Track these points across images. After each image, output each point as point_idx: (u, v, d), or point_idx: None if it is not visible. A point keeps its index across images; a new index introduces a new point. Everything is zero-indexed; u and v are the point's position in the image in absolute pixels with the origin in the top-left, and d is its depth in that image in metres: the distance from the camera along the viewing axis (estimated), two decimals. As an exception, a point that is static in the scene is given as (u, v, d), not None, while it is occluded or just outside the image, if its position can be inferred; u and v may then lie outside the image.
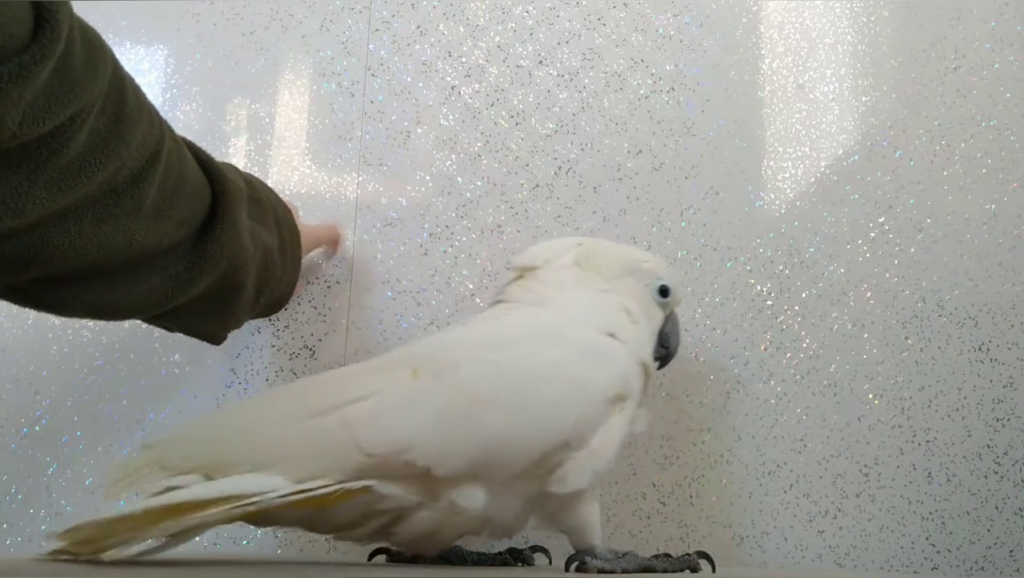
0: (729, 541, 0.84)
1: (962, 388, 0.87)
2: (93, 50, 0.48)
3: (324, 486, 0.49)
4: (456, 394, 0.52)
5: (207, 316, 0.67)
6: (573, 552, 0.59)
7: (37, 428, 0.85)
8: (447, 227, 0.91)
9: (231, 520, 0.49)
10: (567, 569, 0.58)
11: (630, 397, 0.59)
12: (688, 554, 0.63)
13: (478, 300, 0.90)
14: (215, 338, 0.71)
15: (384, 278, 0.90)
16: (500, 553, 0.69)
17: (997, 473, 0.85)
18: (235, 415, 0.57)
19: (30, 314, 0.87)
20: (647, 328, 0.66)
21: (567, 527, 0.58)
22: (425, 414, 0.52)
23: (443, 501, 0.53)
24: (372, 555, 0.69)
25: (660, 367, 0.70)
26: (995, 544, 0.83)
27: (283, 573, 0.49)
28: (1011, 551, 0.83)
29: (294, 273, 0.78)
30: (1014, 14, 0.97)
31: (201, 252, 0.61)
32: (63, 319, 0.87)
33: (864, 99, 0.96)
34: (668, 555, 0.63)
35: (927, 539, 0.83)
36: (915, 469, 0.85)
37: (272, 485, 0.48)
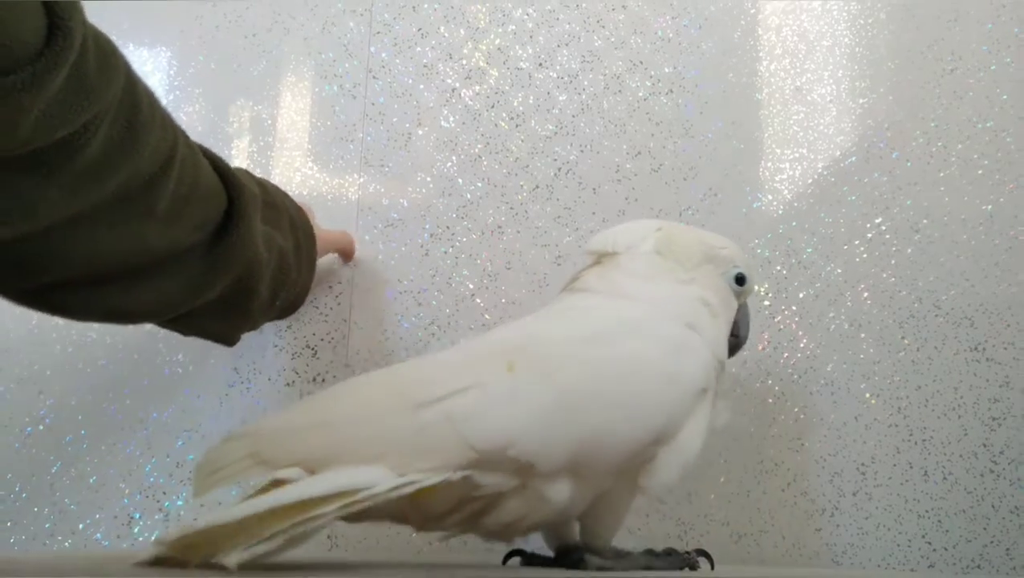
0: (727, 539, 0.84)
1: (958, 387, 0.88)
2: (106, 57, 0.48)
3: (431, 477, 0.48)
4: (555, 390, 0.52)
5: (222, 319, 0.67)
6: (568, 543, 0.59)
7: (41, 427, 0.85)
8: (448, 228, 0.92)
9: (339, 517, 0.47)
10: (556, 561, 0.59)
11: (711, 390, 0.59)
12: (687, 552, 0.63)
13: (478, 300, 0.90)
14: (229, 340, 0.72)
15: (385, 278, 0.91)
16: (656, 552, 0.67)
17: (993, 472, 0.85)
18: (332, 405, 0.54)
19: (34, 314, 0.87)
20: (724, 319, 0.65)
21: (592, 519, 0.58)
22: (527, 410, 0.51)
23: (533, 491, 0.53)
24: (507, 558, 0.68)
25: (729, 356, 0.68)
26: (991, 542, 0.84)
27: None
28: (1007, 549, 0.83)
29: (308, 276, 0.79)
30: (1010, 16, 0.98)
31: (216, 256, 0.61)
32: (67, 319, 0.87)
33: (861, 101, 0.96)
34: (674, 550, 0.63)
35: (923, 537, 0.84)
36: (912, 468, 0.86)
37: (379, 478, 0.47)
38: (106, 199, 0.51)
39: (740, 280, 0.67)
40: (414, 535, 0.83)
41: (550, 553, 0.64)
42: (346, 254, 0.90)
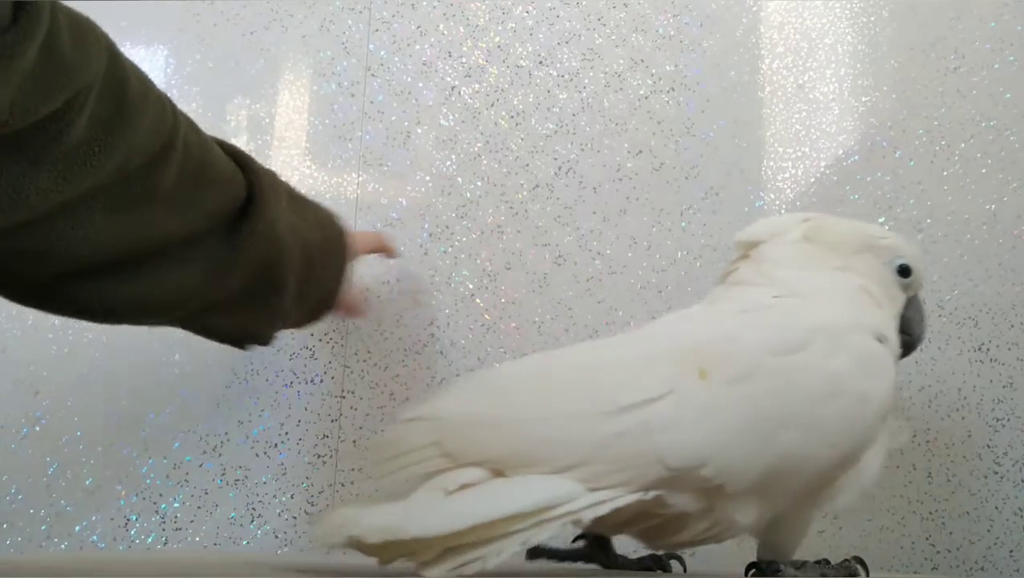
0: (730, 542, 0.83)
1: (962, 388, 0.87)
2: (83, 33, 0.47)
3: (623, 496, 0.46)
4: (752, 407, 0.49)
5: (250, 312, 0.64)
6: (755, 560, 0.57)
7: (37, 428, 0.85)
8: (447, 227, 0.91)
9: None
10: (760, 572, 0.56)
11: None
12: (847, 560, 0.60)
13: (478, 300, 0.90)
14: (261, 337, 0.68)
15: (384, 278, 0.90)
16: (642, 558, 0.66)
17: (997, 473, 0.85)
18: (520, 399, 0.50)
19: (30, 314, 0.87)
20: (890, 312, 0.61)
21: (774, 535, 0.56)
22: (723, 427, 0.48)
23: (719, 512, 0.50)
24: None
25: (902, 357, 0.63)
26: (995, 544, 0.83)
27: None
28: (1011, 551, 0.83)
29: (337, 278, 0.73)
30: (1014, 14, 0.97)
31: (237, 242, 0.59)
32: (63, 318, 0.87)
33: (864, 99, 0.96)
34: (827, 561, 0.60)
35: (927, 539, 0.83)
36: (915, 469, 0.85)
37: (574, 492, 0.44)
38: (103, 183, 0.50)
39: (905, 271, 0.62)
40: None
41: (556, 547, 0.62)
42: (386, 252, 0.85)
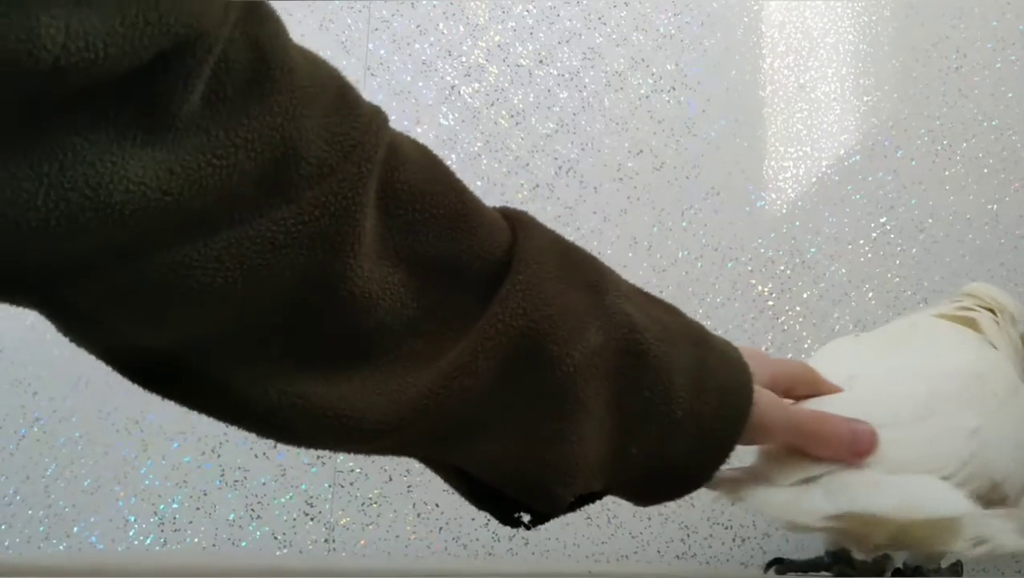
0: (731, 542, 0.83)
1: (964, 389, 0.87)
2: None
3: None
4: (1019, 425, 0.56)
5: (525, 447, 0.38)
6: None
7: (35, 429, 0.85)
8: (447, 227, 0.91)
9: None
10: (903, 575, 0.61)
11: None
12: (957, 562, 0.65)
13: (478, 300, 0.89)
14: (545, 496, 0.40)
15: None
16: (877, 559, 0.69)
17: (999, 474, 0.84)
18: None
19: (29, 314, 0.86)
20: None
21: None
22: (1016, 443, 0.55)
23: None
24: (768, 566, 0.69)
25: None
26: (997, 545, 0.83)
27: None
28: (1013, 552, 0.83)
29: (712, 423, 0.42)
30: (1016, 13, 0.97)
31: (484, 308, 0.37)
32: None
33: (866, 99, 0.95)
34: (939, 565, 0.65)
35: (929, 540, 0.83)
36: (917, 470, 0.85)
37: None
38: (237, 193, 0.31)
39: None
40: (413, 538, 0.83)
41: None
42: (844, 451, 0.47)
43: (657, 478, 0.42)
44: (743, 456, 0.51)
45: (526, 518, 0.42)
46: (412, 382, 0.35)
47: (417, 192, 0.35)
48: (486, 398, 0.36)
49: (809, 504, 0.47)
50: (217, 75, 0.29)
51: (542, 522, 0.41)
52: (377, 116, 0.35)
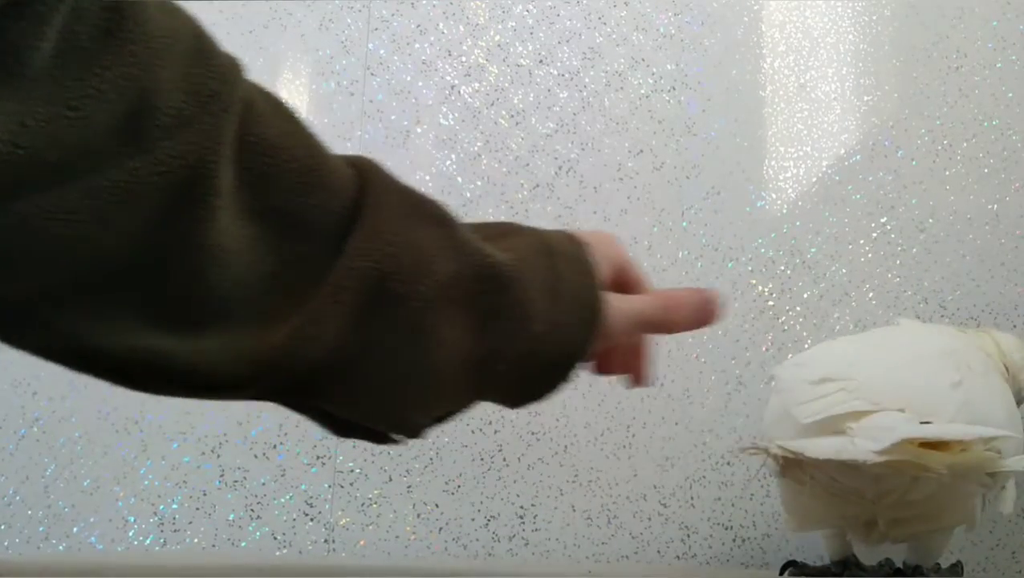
0: (731, 543, 0.83)
1: (964, 389, 0.87)
2: None
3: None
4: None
5: (381, 380, 0.38)
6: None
7: (35, 429, 0.85)
8: (447, 227, 0.91)
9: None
10: (904, 575, 0.65)
11: None
12: (957, 562, 0.69)
13: (478, 300, 0.89)
14: (405, 427, 0.41)
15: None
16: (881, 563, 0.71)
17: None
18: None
19: (28, 314, 0.86)
20: None
21: (931, 540, 0.65)
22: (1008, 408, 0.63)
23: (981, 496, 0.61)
24: (784, 569, 0.71)
25: None
26: (997, 545, 0.83)
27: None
28: (1013, 553, 0.83)
29: (574, 323, 0.42)
30: (1016, 13, 0.97)
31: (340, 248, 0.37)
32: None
33: (866, 98, 0.95)
34: (939, 565, 0.68)
35: (929, 541, 0.83)
36: (917, 470, 0.85)
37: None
38: (97, 147, 0.30)
39: None
40: (413, 538, 0.83)
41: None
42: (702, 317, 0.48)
43: (522, 384, 0.44)
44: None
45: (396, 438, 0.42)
46: (267, 337, 0.35)
47: (270, 145, 0.35)
48: (343, 344, 0.37)
49: (863, 444, 0.53)
50: (69, 24, 0.29)
51: (389, 442, 0.42)
52: (234, 66, 0.35)
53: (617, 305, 0.44)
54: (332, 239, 0.37)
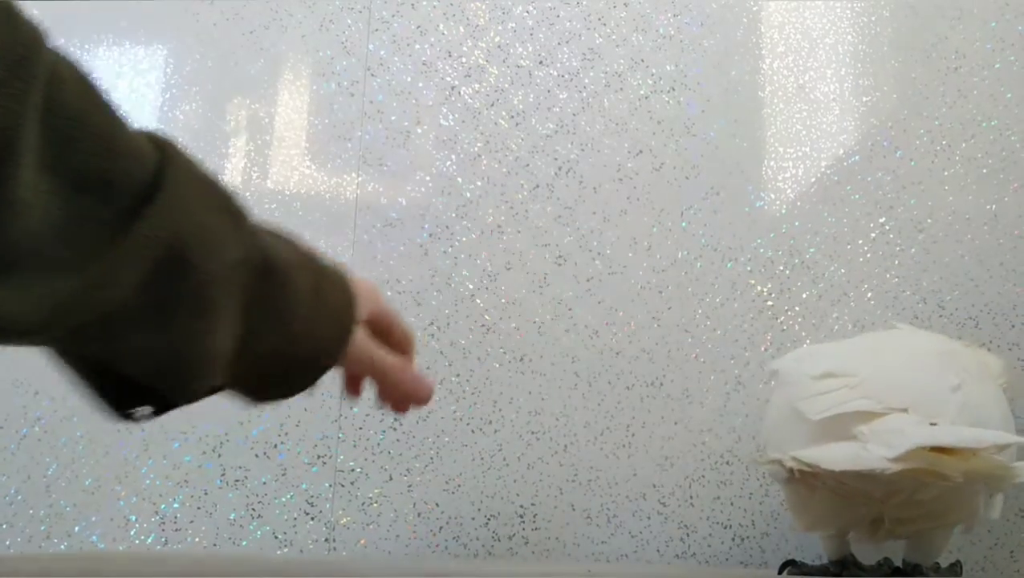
0: (730, 542, 0.83)
1: (963, 389, 0.87)
2: None
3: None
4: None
5: (160, 344, 0.42)
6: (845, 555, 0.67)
7: (36, 429, 0.85)
8: (447, 227, 0.91)
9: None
10: (904, 574, 0.65)
11: None
12: (957, 562, 0.70)
13: (478, 300, 0.89)
14: (180, 386, 0.44)
15: (384, 278, 0.90)
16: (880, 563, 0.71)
17: (998, 474, 0.85)
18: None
19: (29, 314, 0.87)
20: None
21: (932, 540, 0.66)
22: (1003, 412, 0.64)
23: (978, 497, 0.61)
24: (783, 568, 0.72)
25: None
26: (995, 545, 0.83)
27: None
28: (1011, 552, 0.83)
29: (327, 336, 0.49)
30: (1015, 14, 0.97)
31: (129, 228, 0.39)
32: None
33: (865, 99, 0.95)
34: (938, 565, 0.69)
35: (928, 540, 0.83)
36: (916, 470, 0.85)
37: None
38: None
39: None
40: (413, 538, 0.83)
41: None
42: (399, 395, 0.55)
43: (271, 379, 0.49)
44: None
45: (147, 410, 0.46)
46: (60, 287, 0.38)
47: (73, 111, 0.38)
48: (132, 302, 0.40)
49: (875, 450, 0.53)
50: None
51: (161, 413, 0.46)
52: (40, 33, 0.37)
53: (366, 339, 0.52)
54: (128, 204, 0.40)
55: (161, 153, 0.41)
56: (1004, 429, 0.61)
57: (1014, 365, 0.87)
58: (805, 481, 0.61)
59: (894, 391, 0.58)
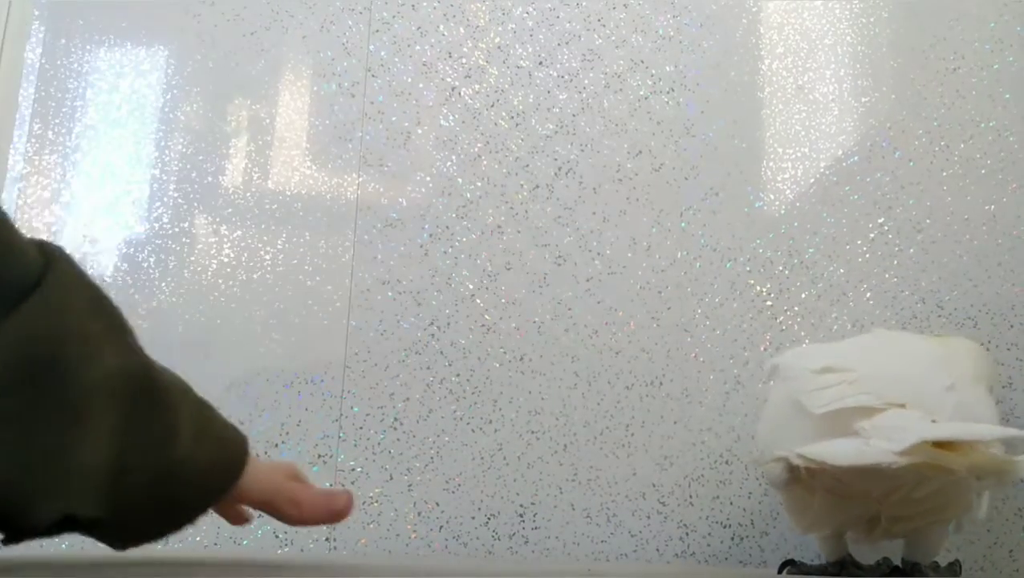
0: (729, 541, 0.84)
1: (961, 388, 0.87)
2: None
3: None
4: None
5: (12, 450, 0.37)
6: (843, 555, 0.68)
7: (38, 428, 0.85)
8: (447, 228, 0.91)
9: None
10: (903, 574, 0.66)
11: None
12: (956, 561, 0.70)
13: (478, 300, 0.90)
14: (33, 510, 0.38)
15: (384, 278, 0.90)
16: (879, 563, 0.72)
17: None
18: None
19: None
20: None
21: (929, 538, 0.67)
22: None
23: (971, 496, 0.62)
24: (782, 567, 0.72)
25: None
26: (995, 544, 0.83)
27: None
28: (1010, 551, 0.83)
29: (208, 471, 0.44)
30: (1013, 15, 0.97)
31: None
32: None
33: (864, 100, 0.96)
34: (937, 564, 0.69)
35: (926, 539, 0.84)
36: (914, 469, 0.85)
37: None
38: None
39: None
40: (414, 537, 0.83)
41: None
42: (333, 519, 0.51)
43: (144, 514, 0.42)
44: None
45: None
46: None
47: None
48: None
49: (879, 445, 0.54)
50: None
51: (15, 541, 0.40)
52: None
53: (260, 469, 0.47)
54: (7, 302, 0.37)
55: (46, 259, 0.40)
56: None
57: (999, 361, 0.87)
58: (804, 481, 0.61)
59: (892, 387, 0.59)
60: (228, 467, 0.45)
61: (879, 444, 0.54)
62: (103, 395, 0.39)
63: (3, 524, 0.39)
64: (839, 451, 0.55)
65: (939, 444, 0.54)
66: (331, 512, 0.49)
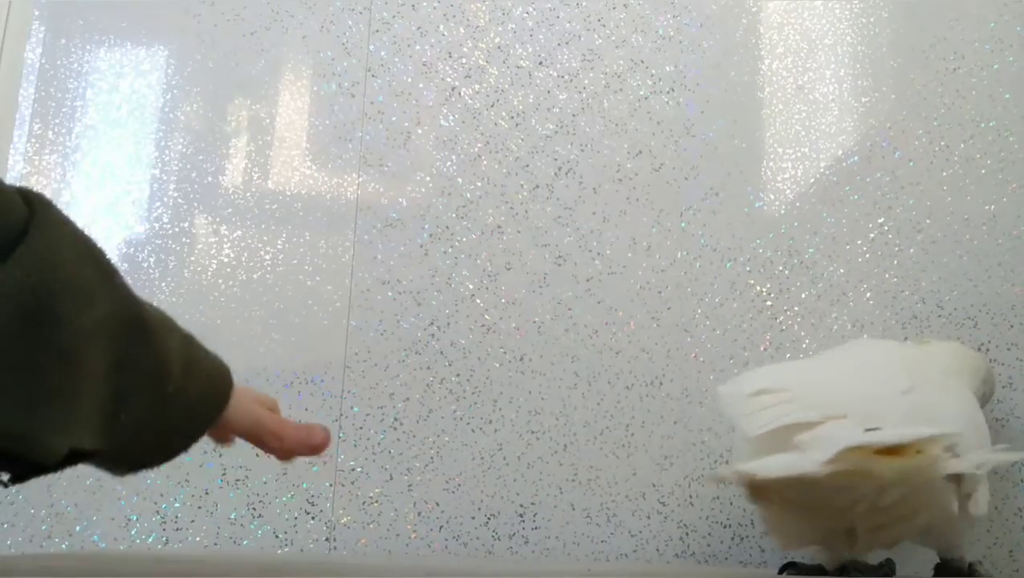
0: (729, 541, 0.84)
1: (961, 388, 0.87)
2: None
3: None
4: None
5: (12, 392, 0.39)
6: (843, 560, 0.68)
7: (38, 428, 0.85)
8: (447, 228, 0.91)
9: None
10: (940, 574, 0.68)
11: None
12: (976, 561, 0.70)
13: (478, 301, 0.90)
14: (37, 447, 0.40)
15: (384, 279, 0.90)
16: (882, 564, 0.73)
17: (996, 473, 0.85)
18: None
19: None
20: None
21: (949, 535, 0.67)
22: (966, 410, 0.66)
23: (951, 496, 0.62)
24: (783, 569, 0.73)
25: None
26: (994, 544, 0.83)
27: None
28: (1010, 551, 0.83)
29: (203, 397, 0.48)
30: (1013, 15, 0.97)
31: None
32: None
33: (864, 100, 0.96)
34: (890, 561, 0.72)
35: (926, 539, 0.84)
36: (914, 469, 0.85)
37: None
38: None
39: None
40: (414, 537, 0.83)
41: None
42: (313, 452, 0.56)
43: (141, 445, 0.46)
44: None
45: (5, 477, 0.42)
46: None
47: None
48: None
49: (811, 456, 0.54)
50: None
51: (22, 480, 0.42)
52: None
53: (244, 401, 0.50)
54: None
55: (32, 207, 0.41)
56: (964, 427, 0.61)
57: (999, 361, 0.87)
58: (762, 497, 0.61)
59: (831, 401, 0.59)
60: (215, 398, 0.48)
61: (812, 455, 0.54)
62: (98, 340, 0.41)
63: (12, 464, 0.41)
64: (770, 464, 0.56)
65: (883, 450, 0.54)
66: (310, 446, 0.54)
